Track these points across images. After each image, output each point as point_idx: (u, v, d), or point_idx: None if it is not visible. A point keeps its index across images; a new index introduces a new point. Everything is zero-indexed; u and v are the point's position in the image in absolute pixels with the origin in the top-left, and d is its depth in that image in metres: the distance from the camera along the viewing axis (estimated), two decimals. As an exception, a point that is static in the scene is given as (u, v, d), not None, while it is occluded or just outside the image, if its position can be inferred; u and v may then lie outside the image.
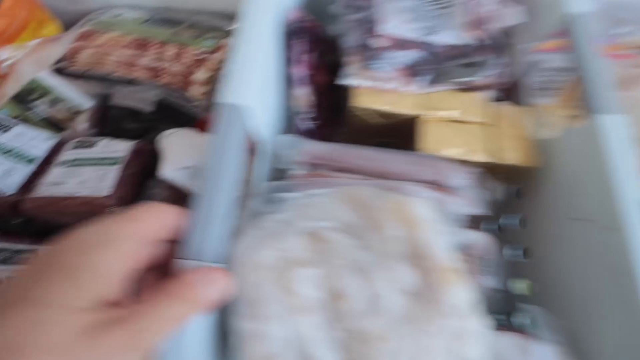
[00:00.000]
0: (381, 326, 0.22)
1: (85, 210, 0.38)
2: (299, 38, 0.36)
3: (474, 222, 0.32)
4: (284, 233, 0.24)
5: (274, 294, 0.22)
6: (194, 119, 0.51)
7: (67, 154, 0.44)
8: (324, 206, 0.26)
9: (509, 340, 0.25)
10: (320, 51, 0.39)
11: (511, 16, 0.35)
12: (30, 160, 0.42)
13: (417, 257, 0.24)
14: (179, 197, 0.40)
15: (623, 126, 0.27)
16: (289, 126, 0.38)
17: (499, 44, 0.35)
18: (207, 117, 0.46)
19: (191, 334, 0.19)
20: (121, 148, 0.42)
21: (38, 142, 0.45)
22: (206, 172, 0.23)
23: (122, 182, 0.39)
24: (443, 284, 0.23)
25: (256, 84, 0.28)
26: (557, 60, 0.36)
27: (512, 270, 0.36)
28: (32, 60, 0.54)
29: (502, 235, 0.39)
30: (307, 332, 0.21)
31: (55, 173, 0.41)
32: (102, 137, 0.46)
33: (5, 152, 0.42)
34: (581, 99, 0.29)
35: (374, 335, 0.22)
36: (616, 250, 0.24)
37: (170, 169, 0.36)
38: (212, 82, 0.46)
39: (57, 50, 0.53)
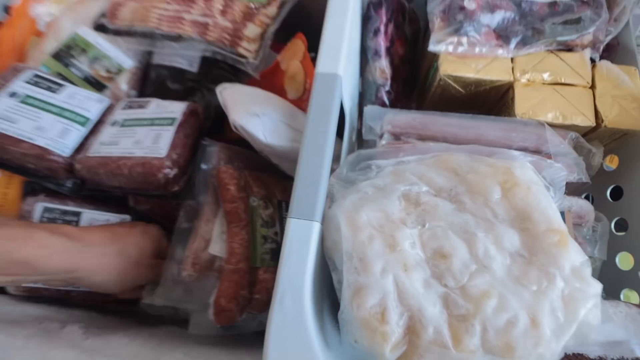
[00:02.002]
0: (485, 284, 0.20)
1: (140, 172, 0.35)
2: (381, 8, 0.33)
3: (572, 189, 0.29)
4: (382, 197, 0.23)
5: (381, 249, 0.20)
6: (241, 79, 0.48)
7: (119, 114, 0.41)
8: (418, 171, 0.24)
9: (620, 308, 0.22)
10: (398, 22, 0.35)
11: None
12: (84, 122, 0.40)
13: (522, 220, 0.22)
14: (235, 157, 0.38)
15: None
16: (366, 99, 0.36)
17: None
18: (257, 77, 0.43)
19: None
20: (175, 109, 0.40)
21: (91, 103, 0.42)
22: (309, 140, 0.23)
23: (177, 143, 0.37)
24: (554, 246, 0.21)
25: (346, 55, 0.26)
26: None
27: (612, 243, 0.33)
28: (71, 16, 0.51)
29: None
30: (411, 287, 0.19)
31: (107, 133, 0.39)
32: (152, 98, 0.43)
33: (59, 113, 0.40)
34: None
35: (478, 292, 0.20)
36: None
37: (241, 115, 0.33)
38: (264, 38, 0.43)
39: (97, 6, 0.51)
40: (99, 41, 0.49)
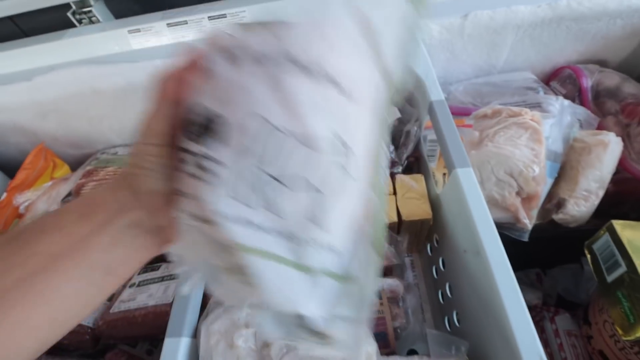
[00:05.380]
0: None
1: (152, 318, 0.42)
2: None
3: (391, 271, 0.39)
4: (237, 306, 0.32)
5: (222, 350, 0.29)
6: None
7: (136, 277, 0.49)
8: None
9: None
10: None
11: (390, 115, 0.47)
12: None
13: None
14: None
15: (471, 175, 0.36)
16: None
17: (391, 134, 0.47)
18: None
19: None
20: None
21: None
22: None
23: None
24: None
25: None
26: (433, 134, 0.47)
27: (442, 306, 0.41)
28: (45, 199, 0.66)
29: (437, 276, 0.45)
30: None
31: (126, 293, 0.47)
32: (162, 262, 0.51)
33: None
34: (444, 160, 0.39)
35: None
36: (484, 270, 0.31)
37: None
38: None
39: (66, 188, 0.66)
40: (65, 215, 0.62)
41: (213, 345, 0.29)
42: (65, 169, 0.73)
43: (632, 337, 0.37)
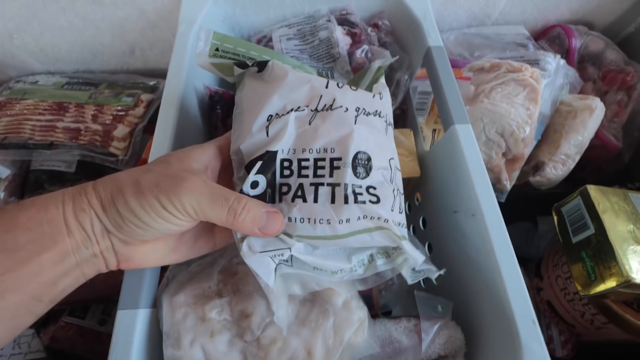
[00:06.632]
0: (274, 332, 0.25)
1: (103, 276, 0.35)
2: (217, 107, 0.40)
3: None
4: (204, 274, 0.27)
5: (192, 324, 0.24)
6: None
7: None
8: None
9: (401, 323, 0.28)
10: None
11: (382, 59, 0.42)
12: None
13: None
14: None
15: (470, 133, 0.33)
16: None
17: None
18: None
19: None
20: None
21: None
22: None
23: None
24: (329, 289, 0.27)
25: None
26: (425, 85, 0.43)
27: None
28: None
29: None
30: (215, 350, 0.24)
31: None
32: None
33: None
34: (440, 114, 0.36)
35: (267, 341, 0.25)
36: (480, 232, 0.30)
37: None
38: (132, 135, 0.48)
39: (-32, 123, 0.52)
40: (-30, 157, 0.50)
41: (179, 320, 0.25)
42: (-34, 99, 0.58)
43: (590, 293, 0.39)
